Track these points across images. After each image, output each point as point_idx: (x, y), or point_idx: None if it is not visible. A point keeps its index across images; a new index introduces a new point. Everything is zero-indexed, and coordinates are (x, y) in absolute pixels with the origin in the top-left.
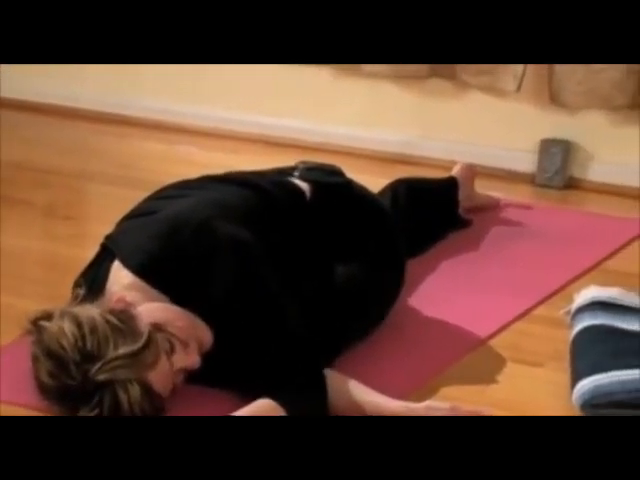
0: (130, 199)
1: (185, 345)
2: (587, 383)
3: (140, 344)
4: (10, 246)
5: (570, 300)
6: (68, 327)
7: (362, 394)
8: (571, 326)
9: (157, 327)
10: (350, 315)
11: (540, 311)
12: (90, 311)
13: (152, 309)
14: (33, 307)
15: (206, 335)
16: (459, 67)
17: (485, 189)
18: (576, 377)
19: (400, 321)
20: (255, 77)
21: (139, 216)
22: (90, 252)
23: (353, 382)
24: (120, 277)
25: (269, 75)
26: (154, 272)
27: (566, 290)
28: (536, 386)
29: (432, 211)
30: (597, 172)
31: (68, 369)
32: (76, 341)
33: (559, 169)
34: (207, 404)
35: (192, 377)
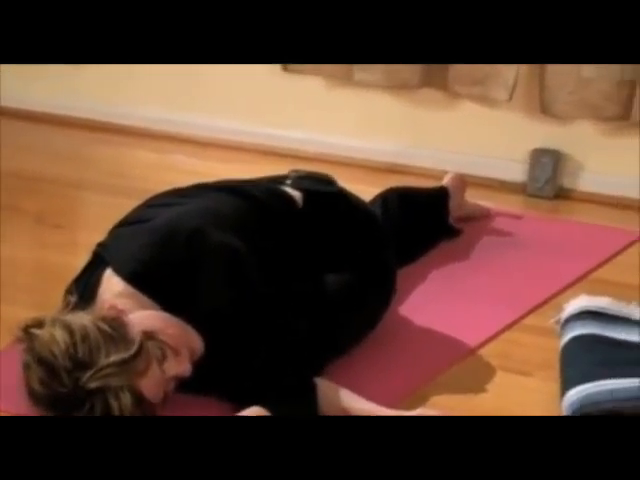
0: (121, 207)
1: (176, 353)
2: (576, 392)
3: (132, 352)
4: (1, 253)
5: (560, 309)
6: (59, 334)
7: (352, 402)
8: (561, 335)
9: (148, 335)
10: (341, 323)
11: (530, 320)
12: (82, 318)
13: (144, 317)
14: (24, 315)
15: (197, 343)
16: (451, 77)
17: (476, 199)
18: (565, 386)
19: (391, 330)
20: (249, 87)
21: (131, 224)
22: (81, 260)
23: (344, 390)
24: (112, 285)
25: (263, 85)
26: (146, 280)
27: (556, 299)
28: (525, 395)
29: (423, 220)
30: (587, 182)
31: (59, 376)
32: (67, 348)
33: (550, 179)
34: (198, 412)
35: (183, 385)
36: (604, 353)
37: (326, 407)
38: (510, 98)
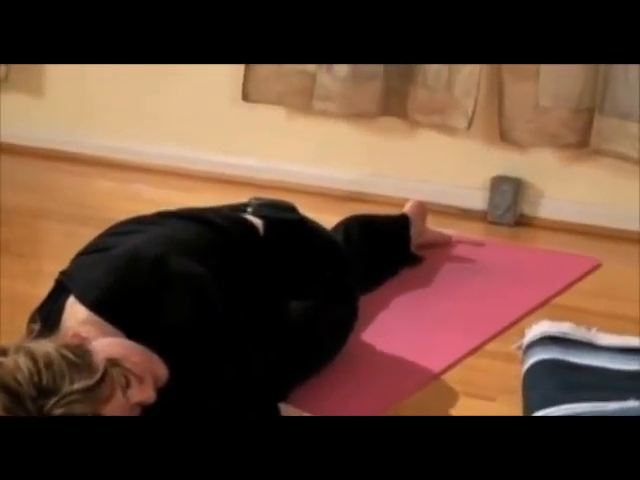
0: (84, 236)
1: (140, 380)
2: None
3: (96, 379)
4: None
5: (522, 335)
6: (23, 362)
7: None
8: (523, 360)
9: (113, 362)
10: (304, 350)
11: (492, 346)
12: (45, 346)
13: (107, 344)
14: None
15: (161, 370)
16: (410, 106)
17: (437, 226)
18: (528, 410)
19: (353, 356)
20: (210, 116)
21: (93, 252)
22: (44, 289)
23: (307, 416)
24: (75, 312)
25: (224, 114)
26: (109, 307)
27: (518, 325)
28: None
29: (384, 247)
30: (547, 209)
31: (24, 404)
32: (32, 376)
33: (510, 206)
34: None
35: (148, 411)
36: (566, 377)
37: None
38: (469, 126)
